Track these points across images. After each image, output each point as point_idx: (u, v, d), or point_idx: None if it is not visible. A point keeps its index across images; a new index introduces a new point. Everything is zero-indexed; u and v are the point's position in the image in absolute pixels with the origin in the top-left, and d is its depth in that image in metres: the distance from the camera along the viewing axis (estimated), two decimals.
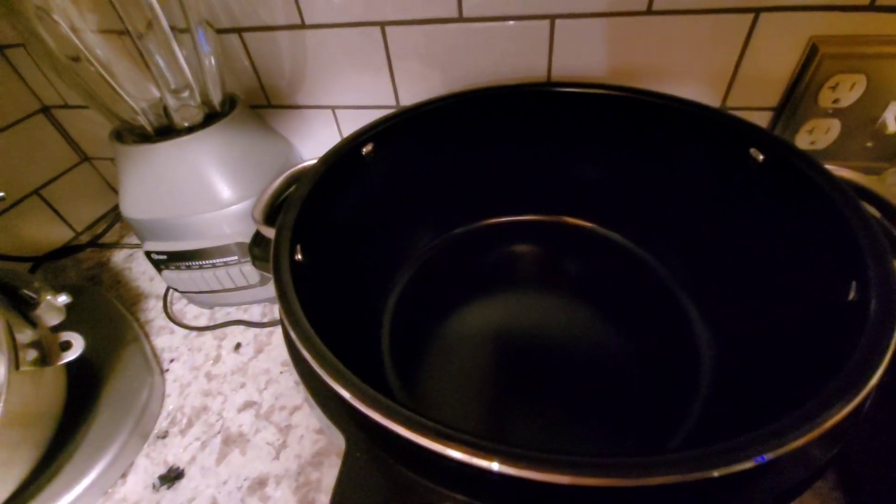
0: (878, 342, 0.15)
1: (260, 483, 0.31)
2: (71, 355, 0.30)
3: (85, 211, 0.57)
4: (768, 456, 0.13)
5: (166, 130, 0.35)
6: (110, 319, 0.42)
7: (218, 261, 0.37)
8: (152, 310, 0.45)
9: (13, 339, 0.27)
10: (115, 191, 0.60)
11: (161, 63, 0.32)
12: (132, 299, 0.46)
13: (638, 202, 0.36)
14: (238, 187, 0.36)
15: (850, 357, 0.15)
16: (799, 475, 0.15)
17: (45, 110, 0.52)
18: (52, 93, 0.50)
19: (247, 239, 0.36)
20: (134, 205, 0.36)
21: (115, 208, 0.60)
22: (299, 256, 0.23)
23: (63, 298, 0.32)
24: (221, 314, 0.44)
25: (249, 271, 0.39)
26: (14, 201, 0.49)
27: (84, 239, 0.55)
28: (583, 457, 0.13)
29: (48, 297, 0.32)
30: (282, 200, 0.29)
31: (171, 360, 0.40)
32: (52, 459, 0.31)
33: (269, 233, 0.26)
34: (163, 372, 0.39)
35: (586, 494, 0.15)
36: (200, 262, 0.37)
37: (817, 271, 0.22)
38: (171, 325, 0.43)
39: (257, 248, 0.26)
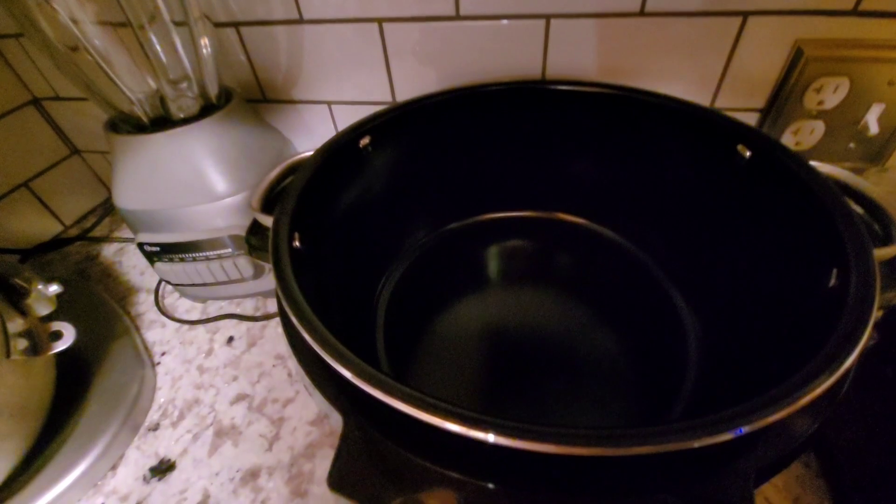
0: (855, 327, 0.16)
1: (252, 474, 0.31)
2: (62, 345, 0.29)
3: (74, 204, 0.57)
4: (746, 429, 0.13)
5: (162, 121, 0.35)
6: (99, 313, 0.41)
7: (211, 253, 0.37)
8: (143, 303, 0.45)
9: (4, 327, 0.27)
10: (105, 184, 0.60)
11: (161, 54, 0.32)
12: (122, 293, 0.46)
13: (630, 198, 0.37)
14: (232, 180, 0.36)
15: (828, 341, 0.15)
16: (778, 450, 0.15)
17: (36, 102, 0.51)
18: (44, 85, 0.50)
19: (240, 231, 0.36)
20: (128, 195, 0.36)
21: (105, 202, 0.59)
22: (297, 244, 0.23)
23: (54, 288, 0.31)
24: (214, 308, 0.43)
25: (242, 264, 0.39)
26: (2, 193, 0.49)
27: (73, 233, 0.55)
28: (570, 428, 0.14)
29: (39, 287, 0.31)
30: (279, 190, 0.29)
31: (163, 354, 0.40)
32: (40, 451, 0.31)
33: (266, 220, 0.26)
34: (154, 365, 0.39)
35: (574, 466, 0.16)
36: (194, 255, 0.37)
37: (800, 260, 0.23)
38: (163, 318, 0.43)
39: (254, 238, 0.26)
